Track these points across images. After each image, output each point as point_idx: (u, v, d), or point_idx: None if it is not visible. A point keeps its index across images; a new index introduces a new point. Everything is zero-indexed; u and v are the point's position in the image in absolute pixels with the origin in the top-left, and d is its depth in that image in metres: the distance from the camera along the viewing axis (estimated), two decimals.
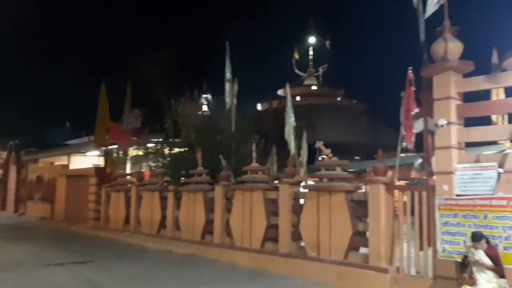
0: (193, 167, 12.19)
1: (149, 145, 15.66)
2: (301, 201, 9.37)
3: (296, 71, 42.98)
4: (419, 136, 7.71)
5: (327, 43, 42.39)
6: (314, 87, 41.27)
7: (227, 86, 13.17)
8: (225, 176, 11.16)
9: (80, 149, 22.77)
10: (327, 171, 8.87)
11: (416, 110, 7.51)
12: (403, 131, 7.71)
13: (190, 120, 13.65)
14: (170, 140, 14.34)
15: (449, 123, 7.16)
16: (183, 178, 13.01)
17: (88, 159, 21.45)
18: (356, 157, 27.00)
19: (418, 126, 7.63)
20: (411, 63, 7.79)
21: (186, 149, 13.78)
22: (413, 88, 7.58)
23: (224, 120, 13.66)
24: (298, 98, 36.56)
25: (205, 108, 17.54)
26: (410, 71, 7.56)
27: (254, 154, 10.69)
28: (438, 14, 7.57)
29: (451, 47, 7.19)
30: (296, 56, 42.90)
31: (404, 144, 7.84)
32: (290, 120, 11.31)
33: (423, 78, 7.70)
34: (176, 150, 14.22)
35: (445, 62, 7.21)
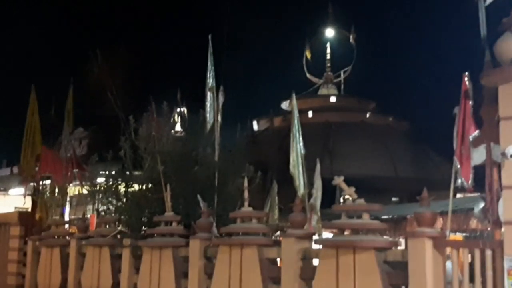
0: (159, 212, 12.11)
1: (98, 180, 15.59)
2: (314, 262, 9.28)
3: (308, 75, 43.40)
4: (480, 170, 7.72)
5: (352, 37, 42.93)
6: (333, 99, 41.64)
7: (209, 97, 13.24)
8: (205, 225, 11.08)
9: None
10: (350, 220, 8.82)
11: (476, 133, 7.56)
12: (457, 163, 7.73)
13: (156, 145, 13.65)
14: (128, 173, 14.31)
15: None
16: (144, 228, 12.90)
17: (9, 200, 21.30)
18: (393, 199, 27.03)
19: (478, 155, 7.65)
20: (468, 68, 7.89)
21: (150, 186, 13.73)
22: (470, 102, 7.64)
23: (205, 145, 13.68)
24: (310, 114, 36.84)
25: (178, 127, 17.59)
26: (466, 79, 7.64)
27: (246, 194, 10.65)
28: (502, 1, 7.72)
29: None
30: (308, 55, 43.40)
31: (459, 181, 7.85)
32: (298, 146, 11.35)
33: (485, 88, 7.77)
34: (136, 187, 14.16)
35: None
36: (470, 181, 7.65)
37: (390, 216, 17.66)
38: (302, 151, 11.43)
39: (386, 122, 39.29)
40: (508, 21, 7.53)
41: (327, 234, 10.62)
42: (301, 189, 11.06)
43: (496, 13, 7.95)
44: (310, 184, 11.43)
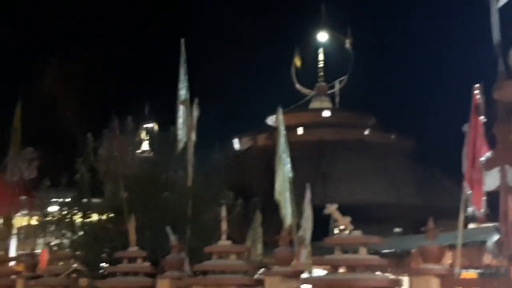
0: (122, 247, 12.02)
1: (50, 208, 15.48)
2: None
3: (298, 86, 43.65)
4: (494, 197, 7.77)
5: (348, 42, 43.35)
6: (326, 113, 41.90)
7: (182, 111, 13.24)
8: (176, 262, 11.00)
9: None
10: (345, 255, 8.81)
11: (488, 154, 7.60)
12: (467, 188, 7.76)
13: (119, 168, 13.59)
14: (85, 200, 14.23)
15: None
16: (104, 266, 12.79)
17: None
18: (396, 229, 27.14)
19: (492, 180, 7.70)
20: (479, 79, 7.96)
21: (111, 215, 13.65)
22: (482, 119, 7.69)
23: (177, 167, 13.66)
24: (300, 130, 36.99)
25: (146, 146, 17.55)
26: (477, 92, 7.69)
27: (224, 225, 10.61)
28: None
29: None
30: (297, 62, 43.67)
31: (470, 209, 7.88)
32: (285, 168, 11.35)
33: (499, 102, 7.85)
34: (95, 217, 14.07)
35: None
36: (482, 209, 7.68)
37: (392, 250, 17.70)
38: (290, 175, 11.42)
39: (387, 140, 39.56)
40: None
41: (318, 272, 10.57)
42: (288, 219, 11.03)
43: (511, 16, 8.06)
44: (299, 213, 11.41)
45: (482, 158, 7.56)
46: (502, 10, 8.01)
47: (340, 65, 43.30)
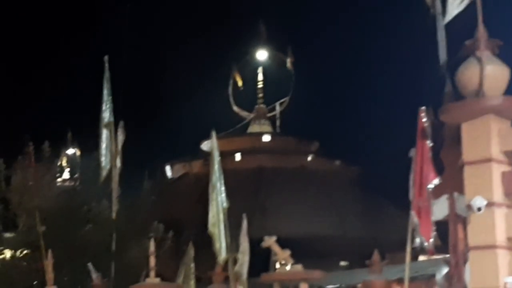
0: (38, 287, 11.74)
1: None
2: None
3: (235, 108, 43.71)
4: (443, 226, 7.84)
5: (289, 61, 43.76)
6: (266, 138, 42.02)
7: (105, 135, 13.07)
8: None
9: None
10: None
11: (436, 180, 7.67)
12: (414, 218, 7.82)
13: (34, 199, 13.33)
14: None
15: (490, 204, 7.35)
16: None
17: None
18: (342, 263, 27.30)
19: (440, 208, 7.79)
20: (425, 101, 8.05)
21: (25, 251, 13.35)
22: (429, 143, 7.78)
23: (100, 198, 13.47)
24: (238, 157, 36.93)
25: (66, 175, 17.28)
26: (422, 114, 7.77)
27: (152, 261, 10.48)
28: (466, 18, 7.98)
29: (490, 73, 7.54)
30: (238, 81, 43.66)
31: (417, 240, 7.93)
32: (219, 198, 11.29)
33: (446, 126, 7.97)
34: (7, 254, 13.74)
35: (481, 99, 7.53)
36: (431, 240, 7.72)
37: (336, 286, 17.75)
38: (225, 205, 11.35)
39: (331, 167, 39.89)
40: (472, 44, 7.79)
41: None
42: (222, 253, 10.93)
43: (459, 33, 8.21)
44: (235, 246, 11.35)
45: (430, 185, 7.61)
46: (449, 27, 8.14)
47: (281, 86, 43.44)
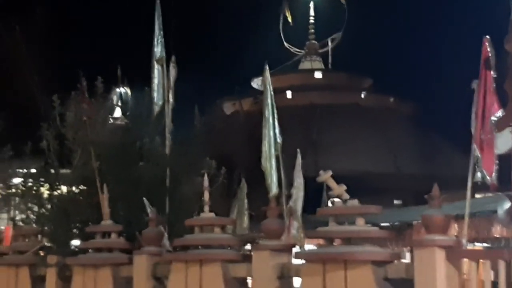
0: (94, 221, 11.99)
1: (14, 180, 15.38)
2: (294, 281, 9.25)
3: (286, 45, 43.49)
4: (506, 161, 7.72)
5: None
6: (318, 74, 41.85)
7: (157, 71, 13.14)
8: (153, 236, 10.97)
9: None
10: (341, 226, 8.78)
11: (499, 112, 7.54)
12: (476, 151, 7.72)
13: (89, 134, 13.50)
14: (53, 171, 14.15)
15: None
16: (75, 241, 12.77)
17: None
18: (395, 201, 27.33)
19: (504, 142, 7.65)
20: (489, 30, 7.87)
21: (81, 187, 13.60)
22: (493, 74, 7.62)
23: (153, 134, 13.58)
24: (288, 94, 36.96)
25: (118, 113, 17.43)
26: (487, 43, 7.61)
27: (206, 196, 10.57)
28: None
29: None
30: (288, 17, 43.30)
31: (478, 174, 7.85)
32: (272, 133, 11.31)
33: (511, 55, 7.76)
34: (64, 189, 14.02)
35: None
36: (493, 175, 7.64)
37: (391, 223, 17.78)
38: (278, 140, 11.38)
39: (385, 104, 39.62)
40: None
41: (310, 246, 10.58)
42: (273, 188, 11.01)
43: None
44: (289, 182, 11.40)
45: (493, 117, 7.50)
46: None
47: (333, 21, 43.07)
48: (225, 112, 39.43)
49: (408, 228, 17.33)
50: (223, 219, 10.66)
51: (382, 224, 13.68)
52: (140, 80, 14.79)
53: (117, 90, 18.89)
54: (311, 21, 43.66)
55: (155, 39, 13.21)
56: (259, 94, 34.67)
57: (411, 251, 8.15)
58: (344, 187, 8.94)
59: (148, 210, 11.20)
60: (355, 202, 8.81)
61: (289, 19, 43.48)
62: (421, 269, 7.92)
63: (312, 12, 43.66)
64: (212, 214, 10.45)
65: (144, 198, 11.43)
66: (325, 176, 9.05)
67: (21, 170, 15.27)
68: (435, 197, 8.00)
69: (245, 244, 11.53)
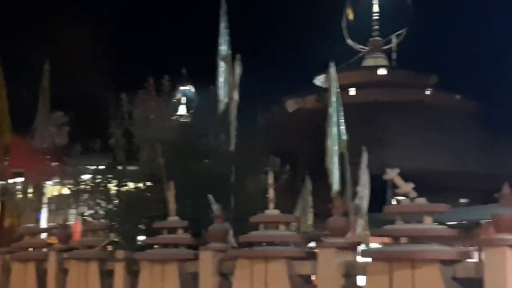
0: (160, 217, 12.16)
1: (83, 176, 15.71)
2: (359, 279, 9.24)
3: (349, 42, 43.23)
4: None
5: None
6: (382, 71, 41.50)
7: (222, 68, 13.25)
8: (219, 233, 11.08)
9: None
10: (408, 225, 8.75)
11: None
12: None
13: (155, 131, 13.71)
14: (120, 167, 14.41)
15: None
16: (142, 237, 12.99)
17: None
18: (462, 200, 26.92)
19: None
20: None
21: (148, 184, 13.81)
22: None
23: (218, 131, 13.70)
24: (352, 91, 36.79)
25: (182, 109, 17.64)
26: None
27: (271, 193, 10.64)
28: None
29: None
30: (350, 14, 43.11)
31: None
32: (336, 130, 11.30)
33: None
34: (131, 185, 14.25)
35: None
36: None
37: (458, 222, 17.56)
38: (344, 137, 11.37)
39: (451, 101, 39.04)
40: None
41: (376, 244, 10.54)
42: (335, 186, 11.01)
43: None
44: (354, 180, 11.38)
45: None
46: None
47: (398, 17, 42.62)
48: (288, 109, 39.46)
49: (476, 227, 17.08)
50: (288, 217, 10.70)
51: (450, 223, 13.49)
52: (204, 78, 14.96)
53: (182, 88, 19.12)
54: (375, 17, 43.30)
55: (221, 37, 13.33)
56: (322, 91, 34.60)
57: (479, 250, 8.07)
58: (412, 185, 8.90)
59: (214, 207, 11.32)
60: (422, 200, 8.76)
61: (350, 16, 43.24)
62: (490, 269, 7.82)
63: (376, 8, 43.29)
64: (277, 211, 10.51)
65: (209, 195, 11.55)
66: (392, 174, 9.01)
67: (90, 167, 15.52)
68: (506, 195, 7.90)
69: (309, 242, 11.55)
